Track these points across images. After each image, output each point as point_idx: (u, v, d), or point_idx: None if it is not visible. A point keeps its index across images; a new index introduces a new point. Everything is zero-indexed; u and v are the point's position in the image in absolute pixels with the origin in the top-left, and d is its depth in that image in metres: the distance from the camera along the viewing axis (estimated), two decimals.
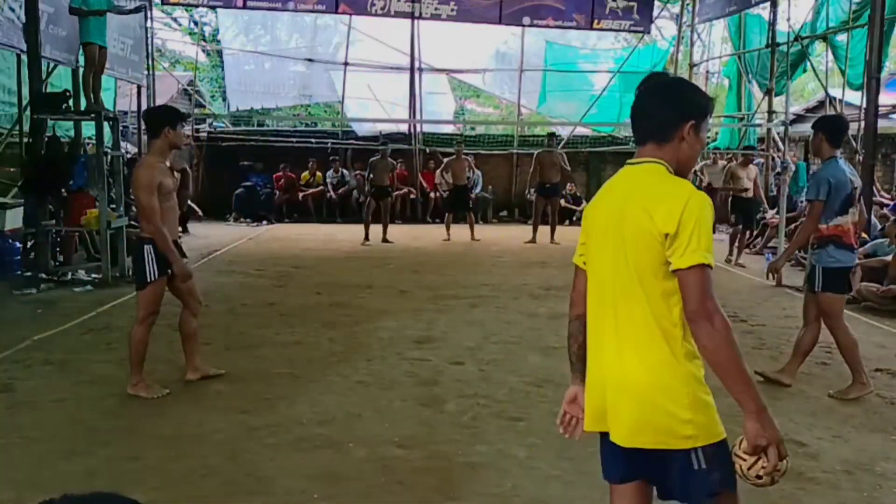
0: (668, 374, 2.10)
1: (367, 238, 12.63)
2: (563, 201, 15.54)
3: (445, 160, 14.50)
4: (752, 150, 12.63)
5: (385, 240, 12.69)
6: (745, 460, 2.08)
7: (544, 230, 13.06)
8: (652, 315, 2.11)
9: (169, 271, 4.81)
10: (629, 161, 2.27)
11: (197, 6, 18.58)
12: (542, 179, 12.98)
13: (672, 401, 2.08)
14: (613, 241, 2.18)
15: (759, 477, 2.08)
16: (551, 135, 13.94)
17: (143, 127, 13.41)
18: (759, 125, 14.96)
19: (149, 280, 4.77)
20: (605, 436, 2.22)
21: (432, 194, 16.52)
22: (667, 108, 2.21)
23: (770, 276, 7.08)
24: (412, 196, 16.64)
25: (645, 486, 2.25)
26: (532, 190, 13.48)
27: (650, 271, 2.11)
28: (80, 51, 9.09)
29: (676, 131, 2.19)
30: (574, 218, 15.06)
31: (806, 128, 15.58)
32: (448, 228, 13.57)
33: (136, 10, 9.63)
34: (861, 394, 4.97)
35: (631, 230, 2.12)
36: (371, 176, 12.87)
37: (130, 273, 8.95)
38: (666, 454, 2.11)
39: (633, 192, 2.17)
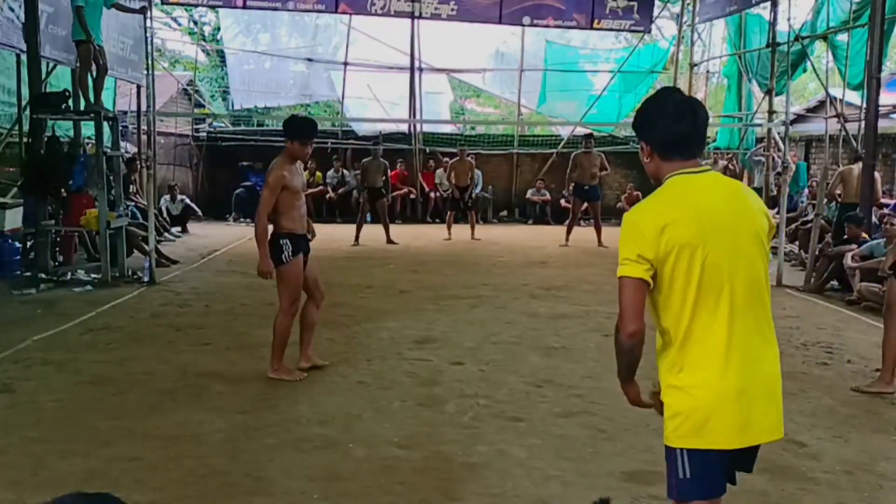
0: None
1: (356, 241, 12.43)
2: (563, 201, 15.53)
3: (449, 161, 14.43)
4: None
5: (389, 241, 12.63)
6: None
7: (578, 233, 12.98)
8: (767, 314, 2.30)
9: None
10: (692, 170, 2.27)
11: (197, 6, 18.57)
12: (579, 181, 12.62)
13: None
14: (746, 243, 2.22)
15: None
16: (589, 135, 13.43)
17: (142, 127, 13.46)
18: (760, 125, 14.94)
19: (286, 261, 5.08)
20: (717, 452, 2.20)
21: (432, 194, 16.52)
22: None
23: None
24: (412, 196, 16.64)
25: None
26: (568, 191, 13.31)
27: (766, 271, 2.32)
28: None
29: None
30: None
31: (806, 127, 15.62)
32: (449, 228, 13.55)
33: (140, 10, 9.59)
34: (881, 391, 5.05)
35: (762, 232, 2.28)
36: (363, 177, 12.83)
37: (130, 273, 9.02)
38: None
39: (744, 196, 2.30)
